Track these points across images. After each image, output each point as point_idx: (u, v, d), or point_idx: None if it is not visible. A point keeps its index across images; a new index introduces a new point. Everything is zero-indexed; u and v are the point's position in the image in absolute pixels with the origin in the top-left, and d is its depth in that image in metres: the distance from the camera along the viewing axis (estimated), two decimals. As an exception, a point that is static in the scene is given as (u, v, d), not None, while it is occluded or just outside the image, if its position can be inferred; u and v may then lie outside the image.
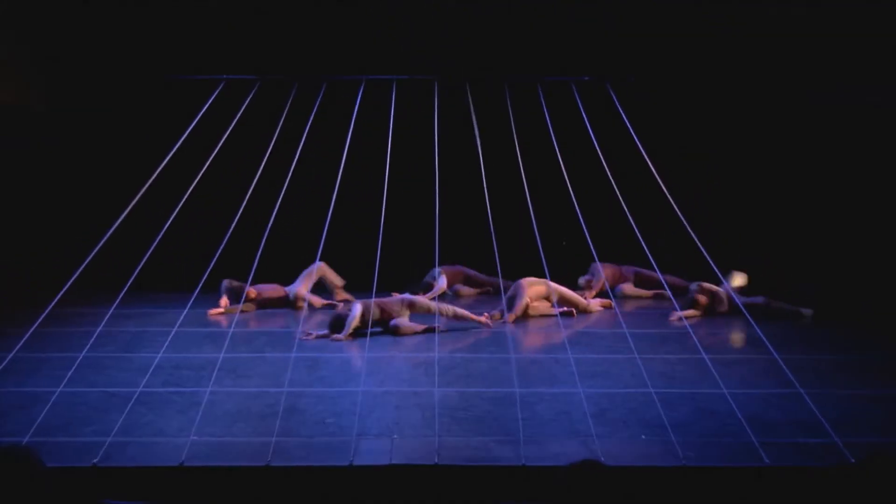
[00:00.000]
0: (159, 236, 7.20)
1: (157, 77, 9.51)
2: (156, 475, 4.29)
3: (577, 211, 8.34)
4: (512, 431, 4.79)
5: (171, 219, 5.96)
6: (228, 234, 8.58)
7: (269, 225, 7.41)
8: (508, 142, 6.79)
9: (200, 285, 6.35)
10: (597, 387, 5.89)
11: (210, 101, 6.36)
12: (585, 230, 8.13)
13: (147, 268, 5.78)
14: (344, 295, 9.00)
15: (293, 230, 8.87)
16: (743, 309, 6.37)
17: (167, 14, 9.71)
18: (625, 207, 6.31)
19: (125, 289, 5.72)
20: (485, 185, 7.88)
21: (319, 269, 8.85)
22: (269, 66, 8.52)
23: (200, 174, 6.36)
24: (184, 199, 7.67)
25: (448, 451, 4.50)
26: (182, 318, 8.01)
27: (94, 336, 5.66)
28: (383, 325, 7.64)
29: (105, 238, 5.40)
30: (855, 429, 4.86)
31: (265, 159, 6.51)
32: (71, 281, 5.32)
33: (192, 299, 6.60)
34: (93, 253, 5.36)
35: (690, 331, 5.75)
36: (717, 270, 5.55)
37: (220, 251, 7.55)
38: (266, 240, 7.74)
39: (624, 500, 2.73)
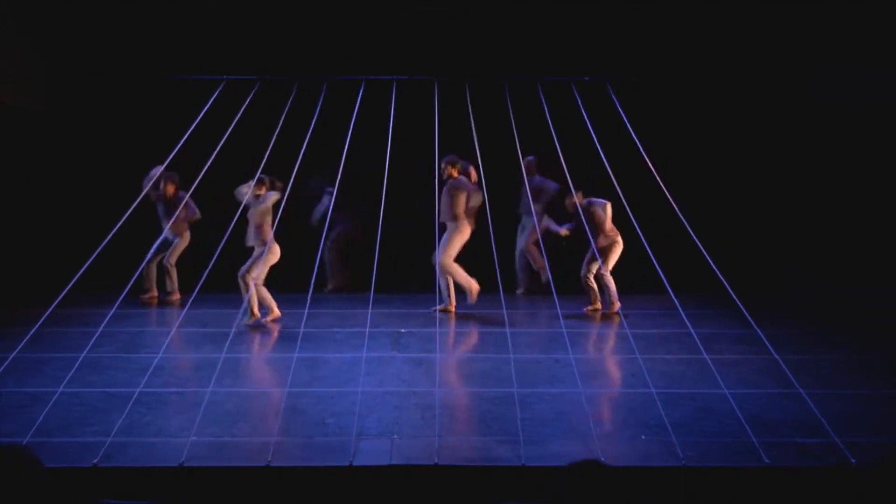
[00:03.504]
0: (161, 238, 7.18)
1: (157, 77, 9.51)
2: (156, 475, 4.29)
3: (579, 209, 8.33)
4: (512, 431, 4.79)
5: (172, 219, 5.96)
6: (228, 234, 8.60)
7: (274, 224, 7.42)
8: (508, 142, 6.78)
9: (199, 285, 6.35)
10: (597, 387, 5.88)
11: (210, 101, 6.36)
12: (587, 228, 8.14)
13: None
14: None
15: (294, 230, 8.88)
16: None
17: (167, 14, 9.72)
18: (626, 205, 6.30)
19: (126, 289, 5.72)
20: (484, 185, 7.87)
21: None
22: (269, 66, 8.52)
23: (201, 175, 6.35)
24: (185, 200, 7.66)
25: (448, 451, 4.50)
26: (182, 318, 8.04)
27: (95, 336, 5.65)
28: None
29: (108, 239, 5.40)
30: (855, 429, 4.86)
31: (264, 159, 6.50)
32: (74, 280, 5.31)
33: (192, 299, 6.59)
34: (95, 253, 5.36)
35: (692, 331, 5.74)
36: (715, 268, 5.54)
37: (218, 251, 7.54)
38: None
39: (624, 500, 2.72)
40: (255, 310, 7.88)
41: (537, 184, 9.51)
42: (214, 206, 8.62)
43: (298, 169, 6.39)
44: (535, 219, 9.15)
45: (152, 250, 8.83)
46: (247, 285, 7.68)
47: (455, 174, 8.58)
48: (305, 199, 9.59)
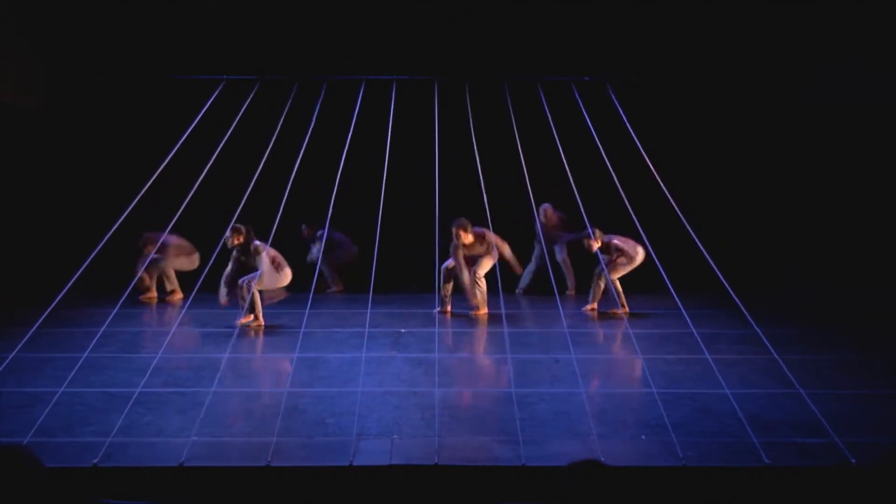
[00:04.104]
0: (161, 238, 7.17)
1: (157, 77, 9.51)
2: (156, 475, 4.29)
3: (582, 210, 8.30)
4: (512, 431, 4.79)
5: (173, 219, 5.96)
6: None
7: (275, 226, 7.41)
8: (508, 142, 6.78)
9: (198, 285, 6.36)
10: (597, 387, 5.88)
11: (210, 101, 6.36)
12: (589, 227, 8.14)
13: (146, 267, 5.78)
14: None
15: (293, 230, 8.88)
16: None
17: (167, 14, 9.72)
18: (627, 205, 6.30)
19: (128, 290, 5.72)
20: (484, 185, 7.84)
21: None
22: (269, 66, 8.52)
23: (202, 176, 6.36)
24: (186, 201, 7.60)
25: (448, 451, 4.50)
26: (182, 318, 8.04)
27: (98, 337, 5.66)
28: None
29: (106, 238, 5.40)
30: (855, 429, 4.86)
31: (264, 158, 6.50)
32: (73, 279, 5.32)
33: (191, 299, 6.60)
34: (94, 252, 5.36)
35: (694, 331, 5.74)
36: (714, 267, 5.54)
37: (217, 250, 7.54)
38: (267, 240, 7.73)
39: (624, 500, 2.72)
40: (259, 312, 7.87)
41: (557, 226, 9.81)
42: (212, 207, 8.62)
43: (298, 169, 6.39)
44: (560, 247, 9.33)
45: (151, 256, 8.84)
46: (248, 291, 7.69)
47: (467, 238, 8.43)
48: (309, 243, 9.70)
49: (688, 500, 4.30)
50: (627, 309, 8.58)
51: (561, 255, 10.00)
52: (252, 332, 7.72)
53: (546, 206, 9.72)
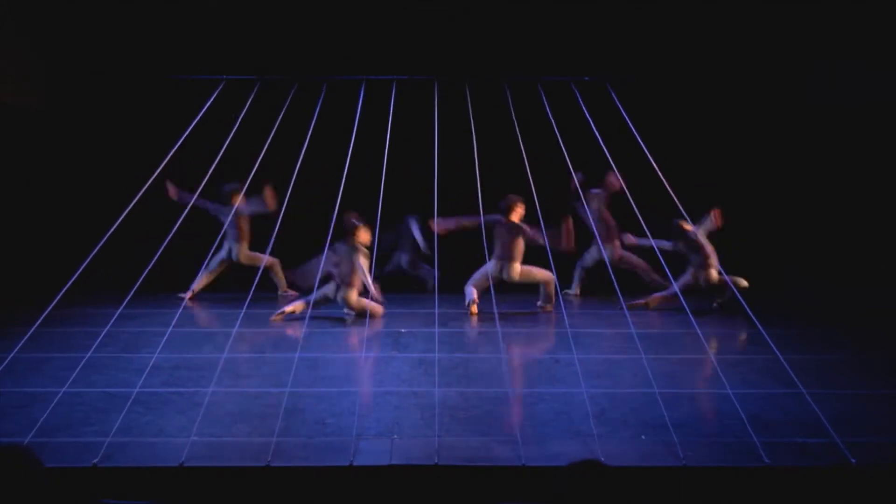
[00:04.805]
0: (167, 238, 7.14)
1: (157, 77, 9.52)
2: (156, 475, 4.29)
3: (580, 209, 8.32)
4: (512, 431, 4.79)
5: (176, 219, 5.96)
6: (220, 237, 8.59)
7: (276, 227, 7.43)
8: (508, 142, 6.79)
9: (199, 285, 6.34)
10: (597, 387, 5.89)
11: (210, 101, 6.36)
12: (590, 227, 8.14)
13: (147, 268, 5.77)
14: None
15: (294, 231, 8.86)
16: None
17: (167, 14, 9.73)
18: (633, 205, 6.30)
19: (133, 290, 5.72)
20: (484, 186, 7.83)
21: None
22: (269, 66, 8.52)
23: (206, 178, 6.36)
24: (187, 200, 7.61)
25: (448, 451, 4.50)
26: (181, 318, 8.03)
27: (98, 337, 5.66)
28: None
29: (105, 238, 5.40)
30: (855, 429, 4.86)
31: (262, 159, 6.50)
32: (72, 280, 5.32)
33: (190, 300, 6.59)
34: (93, 252, 5.36)
35: (698, 330, 5.74)
36: (722, 271, 5.55)
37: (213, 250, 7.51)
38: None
39: (624, 500, 2.73)
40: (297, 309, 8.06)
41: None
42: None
43: (298, 170, 6.39)
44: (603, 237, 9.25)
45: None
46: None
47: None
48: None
49: (688, 500, 4.30)
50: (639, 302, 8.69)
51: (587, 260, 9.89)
52: (252, 332, 7.72)
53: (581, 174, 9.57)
